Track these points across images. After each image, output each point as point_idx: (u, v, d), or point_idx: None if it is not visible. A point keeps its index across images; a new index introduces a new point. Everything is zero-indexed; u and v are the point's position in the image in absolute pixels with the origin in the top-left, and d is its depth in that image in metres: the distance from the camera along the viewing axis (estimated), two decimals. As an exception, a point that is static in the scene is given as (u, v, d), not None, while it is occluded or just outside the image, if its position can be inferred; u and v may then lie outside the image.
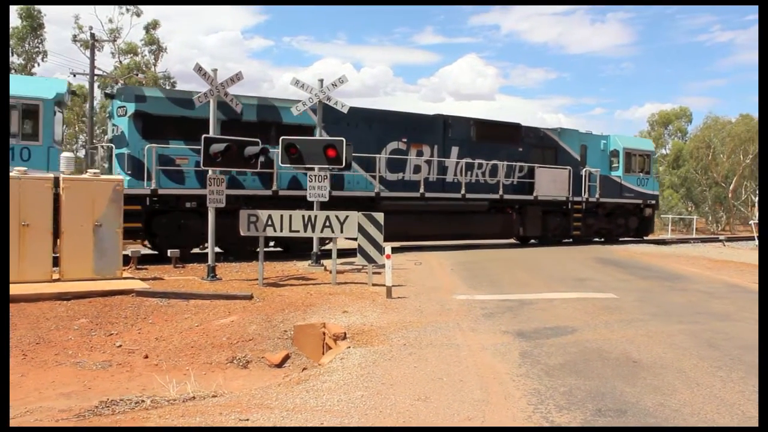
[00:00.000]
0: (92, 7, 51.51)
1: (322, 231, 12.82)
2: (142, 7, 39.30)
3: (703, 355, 7.60)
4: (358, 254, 12.83)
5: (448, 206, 21.11)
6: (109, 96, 17.62)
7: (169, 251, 15.26)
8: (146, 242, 16.88)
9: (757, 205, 56.54)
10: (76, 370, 7.81)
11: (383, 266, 11.85)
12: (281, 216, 12.63)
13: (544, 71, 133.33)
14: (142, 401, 6.52)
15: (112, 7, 39.06)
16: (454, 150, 21.59)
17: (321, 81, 15.49)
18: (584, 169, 24.93)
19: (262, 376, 7.93)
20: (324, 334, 8.82)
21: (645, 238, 28.45)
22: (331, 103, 15.57)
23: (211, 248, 13.03)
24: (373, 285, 12.46)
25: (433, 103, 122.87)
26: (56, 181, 12.03)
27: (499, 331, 8.79)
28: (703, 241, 31.94)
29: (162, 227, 16.18)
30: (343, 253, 16.18)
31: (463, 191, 21.35)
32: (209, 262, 12.98)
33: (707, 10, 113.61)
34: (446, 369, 6.87)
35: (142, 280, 12.31)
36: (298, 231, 12.77)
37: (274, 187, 17.49)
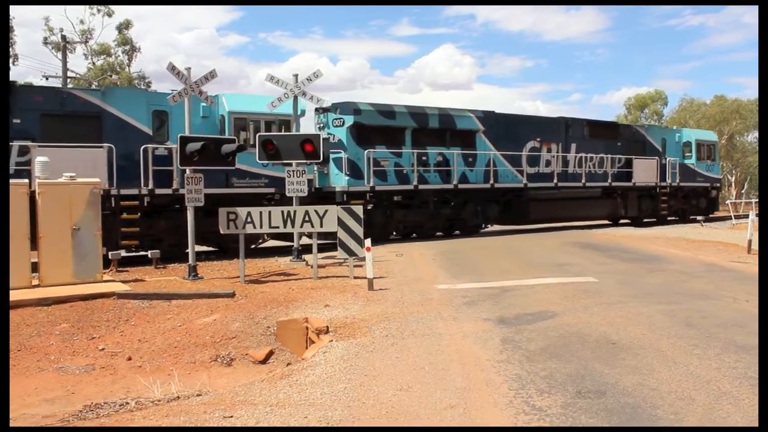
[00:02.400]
0: (65, 7, 50.82)
1: (301, 226, 12.83)
2: (113, 7, 38.81)
3: (680, 335, 7.73)
4: (338, 248, 12.85)
5: (573, 193, 25.39)
6: (324, 110, 19.72)
7: (149, 252, 15.18)
8: None
9: (734, 185, 57.31)
10: (59, 375, 7.78)
11: (364, 259, 11.88)
12: (260, 213, 12.60)
13: (520, 59, 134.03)
14: (127, 403, 6.52)
15: (82, 8, 38.54)
16: (573, 146, 25.66)
17: (296, 76, 15.47)
18: (667, 159, 28.98)
19: (246, 373, 7.94)
20: (307, 328, 8.85)
21: (710, 215, 32.51)
22: (306, 98, 15.59)
23: (191, 246, 12.95)
24: (355, 278, 12.49)
25: (411, 95, 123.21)
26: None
27: (480, 318, 8.87)
28: (683, 221, 32.57)
29: (377, 217, 19.68)
30: (324, 247, 16.21)
31: (583, 180, 25.55)
32: (190, 261, 12.92)
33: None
34: (428, 358, 6.94)
35: (123, 282, 12.24)
36: (277, 227, 12.76)
37: (455, 182, 21.34)
